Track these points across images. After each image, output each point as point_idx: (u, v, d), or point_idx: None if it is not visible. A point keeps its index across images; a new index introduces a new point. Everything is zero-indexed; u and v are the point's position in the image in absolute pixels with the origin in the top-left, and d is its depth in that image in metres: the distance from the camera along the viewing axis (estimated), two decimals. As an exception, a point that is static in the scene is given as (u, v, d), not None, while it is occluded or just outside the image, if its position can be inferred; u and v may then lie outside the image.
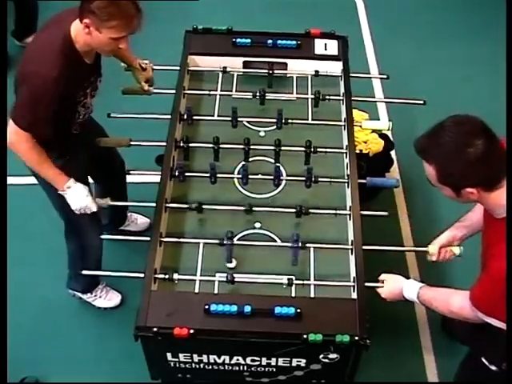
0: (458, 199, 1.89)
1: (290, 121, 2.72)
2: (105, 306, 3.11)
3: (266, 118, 2.78)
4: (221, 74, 2.96)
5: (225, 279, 2.24)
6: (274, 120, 2.73)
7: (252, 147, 2.61)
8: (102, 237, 2.66)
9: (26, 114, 2.28)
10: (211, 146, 2.61)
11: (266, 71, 2.91)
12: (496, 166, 1.79)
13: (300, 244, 2.29)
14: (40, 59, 2.26)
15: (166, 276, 2.25)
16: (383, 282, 2.27)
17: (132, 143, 2.72)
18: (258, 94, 2.80)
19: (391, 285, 2.24)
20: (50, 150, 2.44)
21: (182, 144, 2.61)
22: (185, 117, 2.70)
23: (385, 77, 3.03)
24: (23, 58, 2.35)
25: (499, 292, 1.81)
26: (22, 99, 2.28)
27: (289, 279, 2.24)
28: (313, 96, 2.84)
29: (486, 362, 2.16)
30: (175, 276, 2.25)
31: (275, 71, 2.92)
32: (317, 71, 2.91)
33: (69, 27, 2.29)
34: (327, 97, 2.81)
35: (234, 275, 2.23)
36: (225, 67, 2.93)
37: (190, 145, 2.65)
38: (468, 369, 2.26)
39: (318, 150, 2.61)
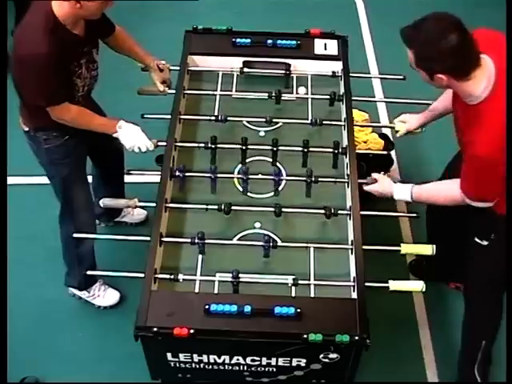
0: (432, 83, 2.13)
1: (289, 121, 2.72)
2: (104, 304, 3.11)
3: (265, 117, 2.78)
4: (221, 74, 2.97)
5: (225, 279, 2.25)
6: (275, 120, 2.73)
7: (252, 147, 2.62)
8: (107, 237, 2.66)
9: (44, 91, 2.38)
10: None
11: (279, 72, 2.92)
12: (465, 59, 2.04)
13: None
14: (27, 41, 2.32)
15: (172, 276, 2.25)
16: (376, 180, 2.51)
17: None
18: (273, 94, 2.80)
19: (384, 186, 2.48)
20: (52, 128, 2.53)
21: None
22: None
23: (401, 77, 2.98)
24: (13, 45, 2.39)
25: (481, 177, 2.12)
26: (31, 82, 2.36)
27: (294, 279, 2.24)
28: (314, 96, 2.86)
29: (478, 240, 2.42)
30: (180, 276, 2.25)
31: (275, 71, 2.92)
32: (334, 72, 2.92)
33: (49, 4, 2.33)
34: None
35: (240, 275, 2.24)
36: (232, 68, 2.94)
37: (190, 145, 2.67)
38: (468, 255, 2.50)
39: (319, 150, 2.62)
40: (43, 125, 2.55)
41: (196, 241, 2.31)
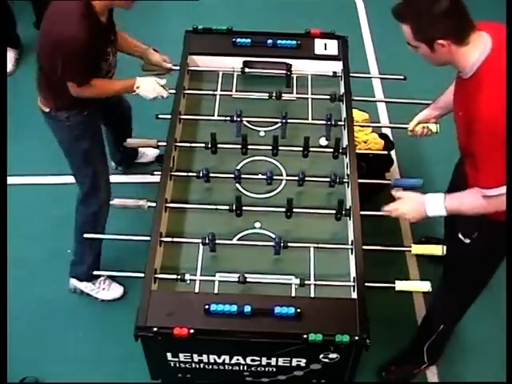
0: (433, 57, 2.10)
1: (289, 120, 2.73)
2: (108, 297, 3.15)
3: (265, 117, 2.78)
4: (221, 74, 2.97)
5: (225, 279, 2.25)
6: (275, 120, 2.74)
7: (252, 147, 2.62)
8: (105, 237, 2.67)
9: (74, 72, 2.52)
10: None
11: (280, 72, 2.92)
12: (460, 19, 2.04)
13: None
14: (66, 24, 2.43)
15: (175, 276, 2.25)
16: (398, 200, 2.35)
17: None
18: (274, 94, 2.81)
19: (413, 205, 2.30)
20: (72, 106, 2.66)
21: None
22: (234, 118, 2.66)
23: (402, 77, 2.99)
24: (45, 28, 2.51)
25: (495, 147, 2.01)
26: (64, 63, 2.47)
27: (301, 279, 2.25)
28: (313, 96, 2.86)
29: (461, 237, 2.39)
30: (185, 276, 2.25)
31: (276, 71, 2.93)
32: (334, 72, 2.93)
33: None
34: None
35: (246, 275, 2.24)
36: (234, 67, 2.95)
37: (189, 144, 2.67)
38: (450, 244, 2.42)
39: (318, 150, 2.62)
40: (65, 104, 2.66)
41: (207, 241, 2.32)
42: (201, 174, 2.51)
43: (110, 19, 2.65)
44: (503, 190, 2.06)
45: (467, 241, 2.36)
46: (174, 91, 2.81)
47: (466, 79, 2.12)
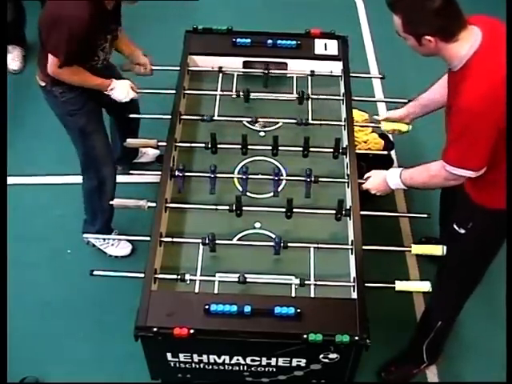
0: (421, 49, 2.13)
1: (289, 120, 2.72)
2: (116, 253, 3.25)
3: (266, 118, 2.78)
4: (221, 74, 2.97)
5: (225, 279, 2.25)
6: (274, 120, 2.74)
7: (252, 147, 2.62)
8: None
9: (63, 48, 2.53)
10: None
11: (264, 71, 2.92)
12: (450, 19, 2.05)
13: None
14: (69, 4, 2.48)
15: (176, 276, 2.25)
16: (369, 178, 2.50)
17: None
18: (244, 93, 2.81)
19: (376, 177, 2.48)
20: (66, 82, 2.69)
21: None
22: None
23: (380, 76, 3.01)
24: (49, 5, 2.56)
25: (464, 134, 2.07)
26: (59, 38, 2.51)
27: (301, 279, 2.25)
28: (313, 96, 2.86)
29: (456, 227, 2.40)
30: (184, 276, 2.25)
31: (274, 71, 2.93)
32: (312, 71, 2.93)
33: None
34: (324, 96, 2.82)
35: (246, 275, 2.24)
36: (220, 67, 2.95)
37: (191, 145, 2.67)
38: (446, 237, 2.49)
39: (318, 149, 2.62)
40: (59, 80, 2.68)
41: (207, 241, 2.32)
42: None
43: (115, 9, 2.68)
44: (459, 171, 2.15)
45: (462, 231, 2.36)
46: (174, 91, 2.81)
47: (455, 72, 2.13)
